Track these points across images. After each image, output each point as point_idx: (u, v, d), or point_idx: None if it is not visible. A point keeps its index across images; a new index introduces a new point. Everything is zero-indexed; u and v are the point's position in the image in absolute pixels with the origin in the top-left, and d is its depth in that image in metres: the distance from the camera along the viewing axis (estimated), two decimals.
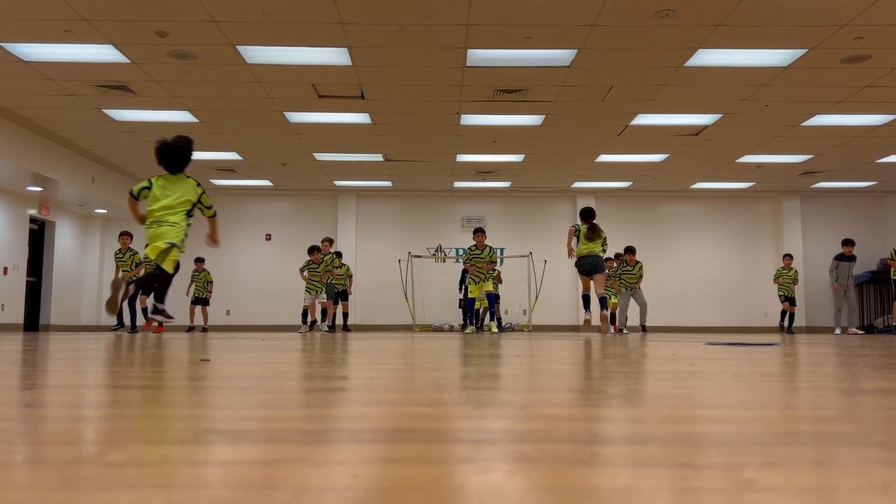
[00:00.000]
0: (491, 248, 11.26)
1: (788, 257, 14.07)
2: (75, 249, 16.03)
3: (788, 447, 0.89)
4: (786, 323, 14.13)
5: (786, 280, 13.88)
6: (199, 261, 14.36)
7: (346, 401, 1.44)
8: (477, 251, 11.22)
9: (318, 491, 0.65)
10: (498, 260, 11.72)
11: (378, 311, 16.43)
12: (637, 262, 12.26)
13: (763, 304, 16.27)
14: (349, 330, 13.15)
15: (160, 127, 11.26)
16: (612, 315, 13.07)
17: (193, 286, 14.28)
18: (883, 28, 7.49)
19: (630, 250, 12.24)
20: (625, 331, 12.52)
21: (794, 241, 16.60)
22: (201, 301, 14.20)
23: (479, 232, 11.37)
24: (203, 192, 5.53)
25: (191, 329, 13.91)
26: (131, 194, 5.42)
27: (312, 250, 12.01)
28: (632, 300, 12.40)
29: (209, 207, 5.66)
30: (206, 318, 14.21)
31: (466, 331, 11.22)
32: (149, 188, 5.37)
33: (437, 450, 0.87)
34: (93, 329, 15.92)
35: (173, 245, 5.26)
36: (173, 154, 5.38)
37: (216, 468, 0.77)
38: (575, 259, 9.37)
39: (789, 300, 13.89)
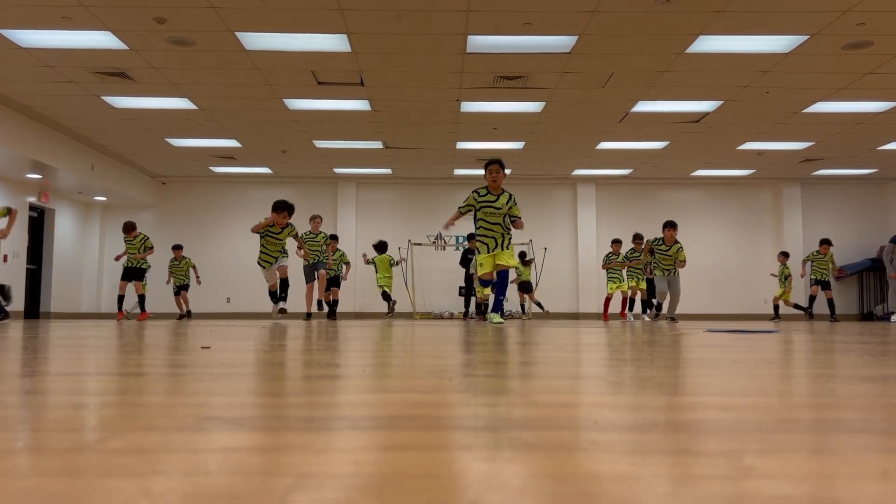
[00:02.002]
0: (511, 195, 7.56)
1: (827, 244, 13.52)
2: (75, 237, 16.03)
3: (788, 434, 0.89)
4: (813, 309, 13.65)
5: (821, 265, 13.45)
6: (177, 248, 13.97)
7: (346, 388, 1.44)
8: (490, 196, 7.39)
9: (319, 478, 0.66)
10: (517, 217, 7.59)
11: (378, 299, 16.43)
12: (676, 242, 10.40)
13: (763, 291, 16.29)
14: (334, 318, 12.18)
15: (159, 114, 11.23)
16: (631, 301, 12.96)
17: (173, 278, 13.86)
18: (885, 14, 7.45)
19: (670, 225, 10.43)
20: (646, 317, 12.45)
21: (795, 229, 16.60)
22: (184, 288, 13.85)
23: (493, 164, 7.37)
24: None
25: (182, 317, 13.67)
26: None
27: (279, 207, 8.84)
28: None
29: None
30: (186, 302, 13.88)
31: (489, 318, 7.51)
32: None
33: (438, 437, 0.87)
34: (93, 317, 15.95)
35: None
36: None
37: (216, 455, 0.77)
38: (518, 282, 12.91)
39: (821, 284, 13.46)
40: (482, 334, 4.48)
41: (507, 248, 7.54)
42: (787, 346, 3.26)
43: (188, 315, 14.13)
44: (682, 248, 10.47)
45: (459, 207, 7.55)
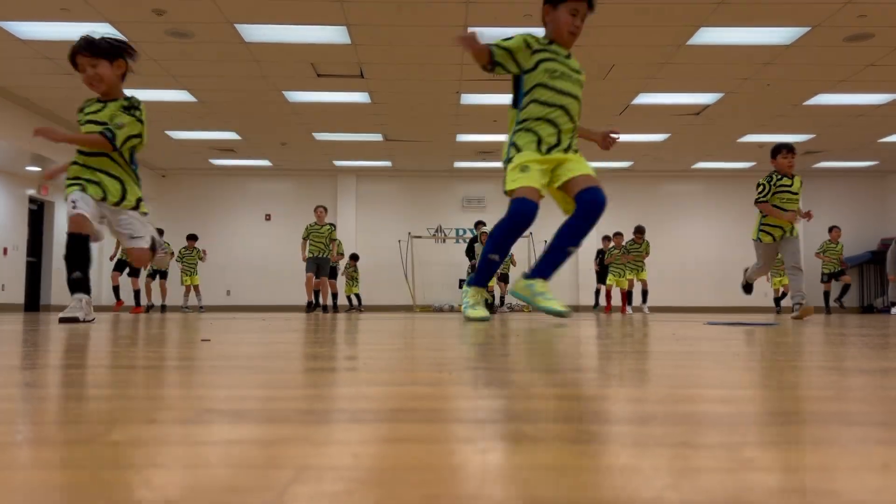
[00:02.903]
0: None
1: (836, 230, 13.38)
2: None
3: (788, 427, 0.89)
4: (833, 303, 13.30)
5: (832, 256, 13.25)
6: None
7: (346, 381, 1.44)
8: (558, 49, 4.07)
9: (319, 470, 0.66)
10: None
11: (378, 292, 16.47)
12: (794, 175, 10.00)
13: (763, 284, 16.29)
14: (328, 310, 12.06)
15: (158, 106, 11.20)
16: (630, 294, 12.95)
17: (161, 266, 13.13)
18: (886, 6, 7.43)
19: (786, 148, 9.35)
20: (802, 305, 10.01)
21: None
22: (161, 275, 13.22)
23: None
24: None
25: (150, 308, 12.93)
26: None
27: (78, 50, 4.73)
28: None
29: None
30: (164, 293, 13.31)
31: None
32: None
33: (438, 429, 0.87)
34: (93, 309, 15.94)
35: None
36: None
37: (217, 448, 0.77)
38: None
39: (835, 276, 13.21)
40: (482, 327, 4.49)
41: (577, 152, 4.24)
42: (786, 338, 3.26)
43: (162, 309, 13.54)
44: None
45: (491, 46, 4.00)
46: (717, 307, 16.31)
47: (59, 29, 8.10)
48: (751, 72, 9.53)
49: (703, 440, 0.80)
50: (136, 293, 11.98)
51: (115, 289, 11.88)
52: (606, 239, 13.61)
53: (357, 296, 15.44)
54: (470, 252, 13.18)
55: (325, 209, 11.76)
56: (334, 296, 12.57)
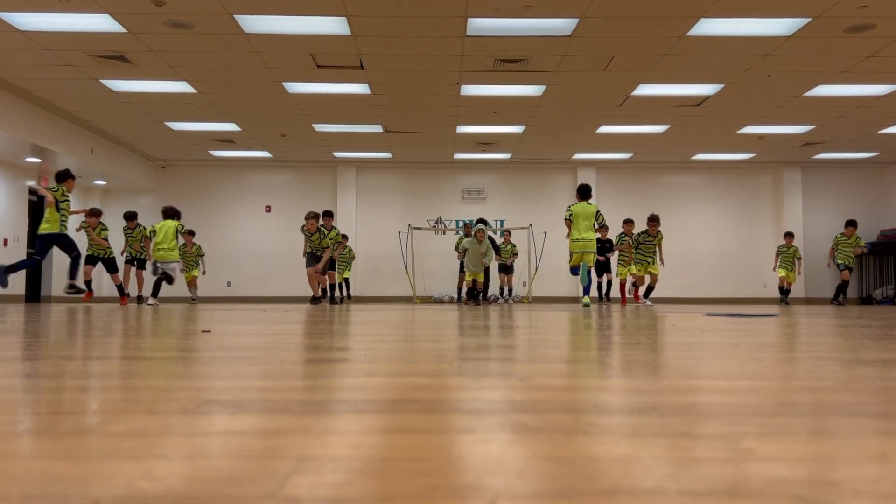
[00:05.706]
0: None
1: (852, 226, 13.37)
2: (75, 220, 16.02)
3: (787, 417, 0.89)
4: (841, 298, 13.32)
5: (846, 249, 13.25)
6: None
7: (346, 371, 1.45)
8: None
9: (320, 461, 0.66)
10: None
11: (378, 283, 16.48)
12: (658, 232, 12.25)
13: (762, 275, 16.31)
14: (335, 302, 12.01)
15: (158, 97, 11.18)
16: (634, 286, 12.81)
17: (128, 251, 12.20)
18: None
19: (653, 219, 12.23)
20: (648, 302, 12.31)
21: (795, 213, 16.60)
22: (139, 263, 12.26)
23: None
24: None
25: (140, 299, 12.19)
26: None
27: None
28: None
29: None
30: (140, 282, 12.36)
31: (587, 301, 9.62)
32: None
33: (438, 420, 0.87)
34: (95, 301, 15.96)
35: None
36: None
37: (217, 438, 0.77)
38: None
39: (849, 269, 13.21)
40: (481, 318, 4.49)
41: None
42: (786, 329, 3.27)
43: (139, 300, 12.49)
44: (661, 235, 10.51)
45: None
46: (716, 298, 16.32)
47: (57, 20, 8.06)
48: (751, 63, 9.50)
49: (702, 430, 0.81)
50: (120, 287, 11.44)
51: (120, 287, 11.63)
52: (604, 228, 13.38)
53: (346, 281, 14.46)
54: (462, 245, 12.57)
55: (316, 218, 10.89)
56: (332, 286, 12.56)
